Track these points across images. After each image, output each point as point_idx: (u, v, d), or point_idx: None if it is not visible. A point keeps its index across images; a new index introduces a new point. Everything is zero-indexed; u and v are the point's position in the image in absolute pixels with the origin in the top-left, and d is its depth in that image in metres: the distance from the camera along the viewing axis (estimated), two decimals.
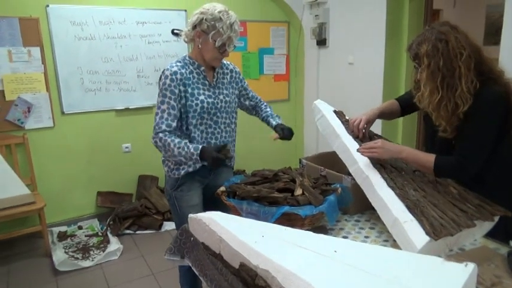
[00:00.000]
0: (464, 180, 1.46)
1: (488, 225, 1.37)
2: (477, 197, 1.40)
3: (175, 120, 1.72)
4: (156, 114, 1.73)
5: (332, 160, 1.95)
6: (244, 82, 2.00)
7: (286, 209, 1.40)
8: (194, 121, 1.76)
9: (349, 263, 0.98)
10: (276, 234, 1.18)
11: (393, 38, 3.18)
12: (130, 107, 3.50)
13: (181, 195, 1.84)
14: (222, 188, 1.63)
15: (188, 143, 1.68)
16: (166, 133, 1.70)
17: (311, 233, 1.20)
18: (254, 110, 2.10)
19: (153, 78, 3.54)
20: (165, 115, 1.71)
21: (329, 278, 0.93)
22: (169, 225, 3.32)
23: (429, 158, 1.42)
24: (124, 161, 3.58)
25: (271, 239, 1.15)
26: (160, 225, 3.33)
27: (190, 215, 1.45)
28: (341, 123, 1.71)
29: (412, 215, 1.26)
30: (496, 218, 1.35)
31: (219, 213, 1.38)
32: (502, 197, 1.39)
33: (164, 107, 1.71)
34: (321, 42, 3.81)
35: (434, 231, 1.19)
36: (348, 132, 1.64)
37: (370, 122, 1.70)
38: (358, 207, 1.66)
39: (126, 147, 3.58)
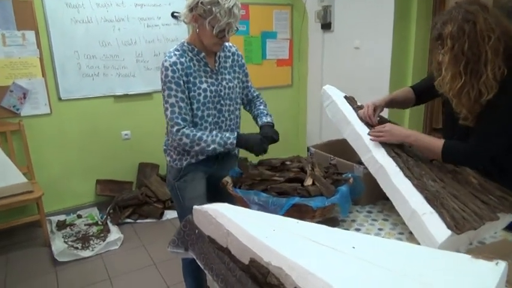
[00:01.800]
0: (485, 170, 1.39)
1: (509, 218, 1.30)
2: (498, 187, 1.33)
3: (188, 114, 1.64)
4: (166, 109, 1.63)
5: (341, 148, 1.87)
6: (245, 69, 1.86)
7: (296, 200, 1.32)
8: (200, 113, 1.67)
9: (369, 260, 0.90)
10: (288, 228, 1.10)
11: (401, 22, 3.06)
12: (129, 93, 3.40)
13: (184, 186, 1.76)
14: (227, 178, 1.55)
15: (218, 132, 1.65)
16: (188, 127, 1.63)
17: (325, 227, 1.12)
18: (248, 105, 1.96)
19: (152, 63, 3.43)
20: (177, 109, 1.61)
21: (349, 276, 0.86)
22: (171, 214, 3.26)
23: (438, 143, 1.35)
24: (123, 149, 3.50)
25: (283, 233, 1.07)
26: (161, 214, 3.26)
27: (195, 207, 1.37)
28: (352, 109, 1.62)
29: (432, 207, 1.19)
30: None
31: (225, 205, 1.30)
32: None
33: (172, 100, 1.61)
34: (326, 26, 3.68)
35: (456, 224, 1.12)
36: (361, 119, 1.56)
37: (377, 108, 1.61)
38: (370, 198, 1.59)
39: (126, 135, 3.49)
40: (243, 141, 1.63)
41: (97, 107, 3.31)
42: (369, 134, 1.46)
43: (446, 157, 1.35)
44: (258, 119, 1.85)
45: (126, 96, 3.40)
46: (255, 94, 1.94)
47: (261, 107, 1.91)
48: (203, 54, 1.66)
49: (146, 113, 3.52)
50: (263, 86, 3.92)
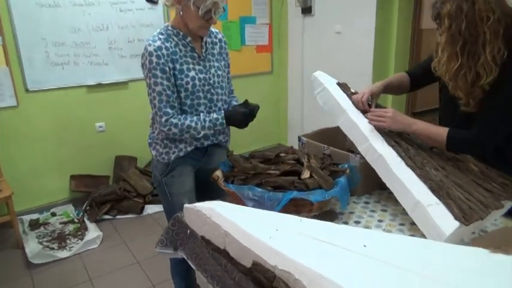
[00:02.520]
0: (484, 157, 1.35)
1: (509, 204, 1.28)
2: (499, 174, 1.30)
3: (175, 102, 1.53)
4: (153, 98, 1.51)
5: (332, 137, 1.81)
6: (228, 59, 1.75)
7: (294, 194, 1.25)
8: (188, 101, 1.56)
9: (385, 260, 0.84)
10: (292, 226, 1.03)
11: (384, 6, 3.02)
12: (102, 82, 3.21)
13: (172, 181, 1.66)
14: (218, 173, 1.46)
15: (204, 115, 1.58)
16: (176, 115, 1.54)
17: (331, 224, 1.06)
18: None
19: (126, 51, 3.24)
20: (164, 97, 1.50)
21: (366, 280, 0.79)
22: (152, 209, 3.13)
23: (442, 131, 1.31)
24: (98, 142, 3.32)
25: (288, 232, 1.00)
26: (142, 209, 3.13)
27: (186, 206, 1.28)
28: (346, 96, 1.55)
29: (437, 197, 1.14)
30: None
31: (220, 202, 1.21)
32: None
33: (159, 88, 1.49)
34: (306, 10, 3.60)
35: (464, 215, 1.08)
36: (356, 107, 1.49)
37: (374, 94, 1.55)
38: (366, 188, 1.54)
39: (100, 127, 3.30)
40: (229, 119, 1.58)
41: (68, 98, 3.11)
42: (367, 116, 1.40)
43: (450, 146, 1.31)
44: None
45: (99, 86, 3.21)
46: (231, 88, 1.83)
47: (233, 102, 1.80)
48: (189, 38, 1.54)
49: (121, 103, 3.34)
50: (243, 73, 3.82)
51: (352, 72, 3.22)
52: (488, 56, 1.18)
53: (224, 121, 1.56)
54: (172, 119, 1.51)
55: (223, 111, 1.59)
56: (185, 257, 1.39)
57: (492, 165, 1.35)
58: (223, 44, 1.70)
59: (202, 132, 1.56)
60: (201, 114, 1.58)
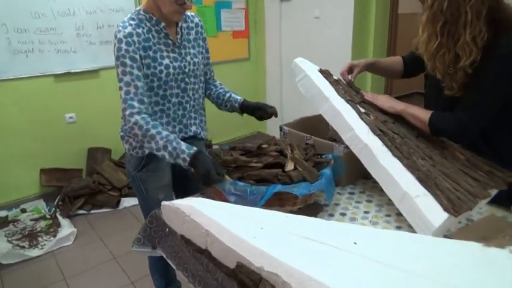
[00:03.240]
0: (472, 143, 1.33)
1: (494, 192, 1.26)
2: (485, 162, 1.28)
3: (146, 94, 1.42)
4: (120, 89, 1.39)
5: (314, 125, 1.76)
6: (206, 44, 1.65)
7: (278, 188, 1.19)
8: (161, 91, 1.46)
9: (377, 260, 0.79)
10: (278, 224, 0.97)
11: None
12: (71, 71, 3.04)
13: (147, 176, 1.57)
14: None
15: (177, 138, 1.34)
16: (144, 115, 1.36)
17: (318, 220, 1.01)
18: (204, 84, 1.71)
19: (95, 37, 3.07)
20: (132, 89, 1.38)
21: (358, 281, 0.75)
22: (128, 202, 3.03)
23: (425, 114, 1.30)
24: (69, 133, 3.16)
25: (273, 231, 0.94)
26: (118, 202, 3.02)
27: (164, 203, 1.20)
28: (329, 84, 1.49)
29: (425, 188, 1.11)
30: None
31: (200, 199, 1.14)
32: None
33: (127, 78, 1.37)
34: None
35: (453, 206, 1.05)
36: (339, 94, 1.44)
37: (354, 67, 1.54)
38: (350, 178, 1.50)
39: (71, 118, 3.14)
40: (196, 163, 1.28)
41: (35, 87, 2.93)
42: (360, 93, 1.44)
43: (432, 128, 1.29)
44: (232, 95, 1.67)
45: (68, 74, 3.04)
46: (212, 74, 1.74)
47: (224, 86, 1.72)
48: (163, 24, 1.44)
49: (92, 93, 3.19)
50: (219, 60, 3.70)
51: (331, 57, 3.17)
52: (468, 37, 1.16)
53: (189, 160, 1.29)
54: (137, 116, 1.35)
55: (195, 149, 1.31)
56: (164, 256, 1.32)
57: (478, 152, 1.33)
58: (199, 28, 1.60)
59: (161, 153, 1.33)
60: (172, 135, 1.35)
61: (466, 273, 0.75)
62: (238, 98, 1.65)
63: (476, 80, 1.21)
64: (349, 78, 1.54)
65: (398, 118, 1.39)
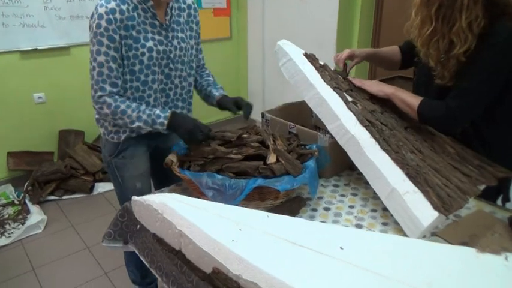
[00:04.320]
0: (462, 136, 1.28)
1: (483, 187, 1.22)
2: (475, 155, 1.23)
3: (119, 77, 1.31)
4: (93, 69, 1.28)
5: (298, 112, 1.68)
6: (198, 28, 1.53)
7: (259, 182, 1.11)
8: (143, 76, 1.34)
9: (365, 267, 0.73)
10: (258, 225, 0.89)
11: None
12: (39, 48, 2.83)
13: (123, 163, 1.46)
14: (172, 156, 1.28)
15: (149, 106, 1.32)
16: (114, 96, 1.30)
17: (301, 220, 0.94)
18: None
19: (65, 11, 2.86)
20: (105, 70, 1.27)
21: None
22: (103, 187, 2.90)
23: (415, 100, 1.24)
24: (38, 114, 2.97)
25: (253, 233, 0.86)
26: (92, 188, 2.88)
27: (134, 198, 1.11)
28: (315, 69, 1.40)
29: (415, 184, 1.05)
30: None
31: (174, 195, 1.05)
32: (502, 155, 1.23)
33: (101, 59, 1.26)
34: None
35: (443, 205, 1.00)
36: (325, 81, 1.35)
37: (354, 56, 1.47)
38: (335, 169, 1.43)
39: (39, 98, 2.95)
40: (175, 124, 1.29)
41: None
42: (347, 79, 1.39)
43: (421, 116, 1.23)
44: (213, 90, 1.54)
45: (35, 51, 2.83)
46: (202, 62, 1.62)
47: (210, 77, 1.61)
48: (151, 3, 1.31)
49: (63, 71, 2.99)
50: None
51: (316, 38, 3.07)
52: (464, 23, 1.09)
53: (166, 122, 1.29)
54: (106, 97, 1.29)
55: (170, 111, 1.31)
56: (137, 252, 1.24)
57: (467, 145, 1.28)
58: (192, 10, 1.47)
59: (137, 124, 1.31)
60: (143, 104, 1.34)
61: (459, 283, 0.69)
62: (216, 94, 1.52)
63: (470, 68, 1.14)
64: (347, 67, 1.47)
65: (386, 108, 1.32)
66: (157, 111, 1.30)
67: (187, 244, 0.91)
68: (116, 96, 1.31)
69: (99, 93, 1.29)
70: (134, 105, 1.31)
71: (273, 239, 0.83)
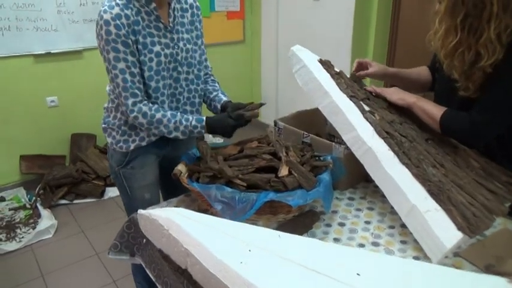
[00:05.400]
0: (486, 148, 1.20)
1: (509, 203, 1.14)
2: (502, 171, 1.15)
3: (141, 82, 1.28)
4: (115, 77, 1.24)
5: (311, 120, 1.62)
6: (201, 27, 1.47)
7: (271, 196, 1.05)
8: (153, 83, 1.30)
9: None
10: (268, 245, 0.83)
11: None
12: (52, 51, 2.83)
13: (131, 173, 1.43)
14: (180, 167, 1.24)
15: (182, 115, 1.33)
16: (148, 104, 1.28)
17: (315, 241, 0.88)
18: None
19: (78, 15, 2.86)
20: (129, 77, 1.24)
21: None
22: (113, 192, 2.88)
23: (438, 111, 1.17)
24: (51, 118, 2.98)
25: (263, 255, 0.81)
26: (103, 192, 2.87)
27: (140, 212, 1.06)
28: (330, 76, 1.34)
29: (437, 202, 0.98)
30: None
31: (180, 211, 1.00)
32: None
33: (122, 65, 1.22)
34: None
35: (468, 225, 0.92)
36: (341, 89, 1.29)
37: (370, 65, 1.41)
38: (350, 181, 1.37)
39: (52, 101, 2.96)
40: (212, 130, 1.32)
41: (12, 69, 2.73)
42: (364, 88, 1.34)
43: (444, 128, 1.16)
44: (216, 97, 1.49)
45: (48, 55, 2.83)
46: (206, 63, 1.54)
47: (216, 84, 1.55)
48: (154, 5, 1.26)
49: (76, 74, 2.99)
50: (212, 42, 3.50)
51: (331, 42, 3.01)
52: (492, 34, 1.01)
53: (203, 131, 1.32)
54: (141, 105, 1.26)
55: (204, 118, 1.32)
56: (143, 265, 1.20)
57: (491, 157, 1.20)
58: (195, 10, 1.42)
59: (174, 134, 1.31)
60: (178, 113, 1.32)
61: None
62: (223, 98, 1.47)
63: (498, 80, 1.07)
64: (361, 73, 1.41)
65: (406, 119, 1.25)
66: (193, 122, 1.30)
67: (193, 264, 0.86)
68: (150, 104, 1.29)
69: (132, 100, 1.25)
70: (169, 114, 1.30)
71: (284, 262, 0.78)
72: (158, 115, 1.28)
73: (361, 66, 1.42)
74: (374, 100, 1.29)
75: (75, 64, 2.97)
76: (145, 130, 1.35)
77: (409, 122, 1.24)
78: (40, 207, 2.65)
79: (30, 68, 2.80)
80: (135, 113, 1.27)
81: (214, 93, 1.50)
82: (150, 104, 1.29)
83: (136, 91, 1.26)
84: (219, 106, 1.45)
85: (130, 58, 1.23)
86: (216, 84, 1.56)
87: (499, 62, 1.04)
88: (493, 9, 1.00)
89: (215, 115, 1.37)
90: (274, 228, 1.10)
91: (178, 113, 1.32)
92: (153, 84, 1.30)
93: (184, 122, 1.30)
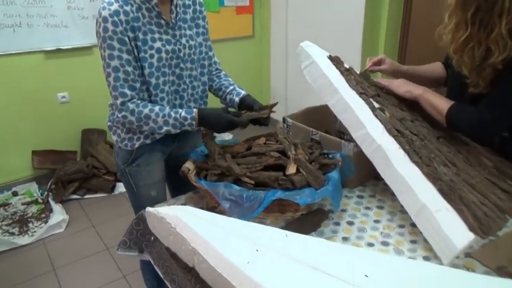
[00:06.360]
0: (499, 145, 1.18)
1: None
2: None
3: (137, 80, 1.27)
4: (108, 75, 1.24)
5: (321, 117, 1.60)
6: (206, 23, 1.46)
7: (279, 194, 1.05)
8: (153, 80, 1.29)
9: None
10: (276, 245, 0.83)
11: None
12: (62, 48, 2.85)
13: (137, 171, 1.43)
14: (188, 165, 1.24)
15: (171, 108, 1.30)
16: (136, 101, 1.26)
17: (323, 241, 0.87)
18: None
19: (88, 11, 2.87)
20: (121, 75, 1.23)
21: None
22: (124, 187, 2.90)
23: (445, 104, 1.15)
24: (62, 114, 3.01)
25: (271, 255, 0.80)
26: (113, 187, 2.90)
27: (148, 210, 1.06)
28: (340, 73, 1.32)
29: (448, 202, 0.96)
30: None
31: (188, 208, 1.00)
32: None
33: (115, 63, 1.21)
34: None
35: (480, 226, 0.90)
36: (350, 86, 1.27)
37: (385, 62, 1.40)
38: (360, 179, 1.35)
39: (63, 97, 2.98)
40: (203, 123, 1.27)
41: (23, 65, 2.76)
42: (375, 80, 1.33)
43: (450, 122, 1.15)
44: (234, 89, 1.48)
45: (59, 51, 2.85)
46: (214, 60, 1.54)
47: (229, 78, 1.54)
48: (155, 1, 1.25)
49: (86, 70, 3.01)
50: (221, 37, 3.50)
51: (341, 37, 2.97)
52: (504, 29, 1.00)
53: (194, 123, 1.26)
54: (129, 103, 1.25)
55: (195, 110, 1.27)
56: (152, 262, 1.20)
57: (504, 155, 1.18)
58: (198, 6, 1.41)
59: (165, 129, 1.27)
60: (167, 107, 1.30)
61: None
62: (242, 92, 1.47)
63: (507, 76, 1.04)
64: (374, 68, 1.41)
65: (417, 116, 1.23)
66: (183, 113, 1.26)
67: (200, 262, 0.86)
68: (138, 101, 1.27)
69: (120, 100, 1.25)
70: (157, 108, 1.27)
71: (291, 262, 0.77)
72: (145, 110, 1.26)
73: (374, 63, 1.41)
74: (384, 97, 1.27)
75: (85, 60, 2.98)
76: (137, 128, 1.33)
77: (420, 119, 1.22)
78: (52, 202, 2.68)
79: (41, 65, 2.83)
80: (123, 112, 1.26)
81: (231, 87, 1.49)
82: (139, 101, 1.27)
83: (127, 90, 1.25)
84: (237, 99, 1.44)
85: (125, 56, 1.22)
86: (229, 79, 1.55)
87: (509, 58, 1.02)
88: (505, 3, 0.98)
89: (209, 108, 1.33)
90: (282, 227, 1.10)
91: (167, 107, 1.30)
92: (153, 81, 1.29)
93: (173, 115, 1.26)
